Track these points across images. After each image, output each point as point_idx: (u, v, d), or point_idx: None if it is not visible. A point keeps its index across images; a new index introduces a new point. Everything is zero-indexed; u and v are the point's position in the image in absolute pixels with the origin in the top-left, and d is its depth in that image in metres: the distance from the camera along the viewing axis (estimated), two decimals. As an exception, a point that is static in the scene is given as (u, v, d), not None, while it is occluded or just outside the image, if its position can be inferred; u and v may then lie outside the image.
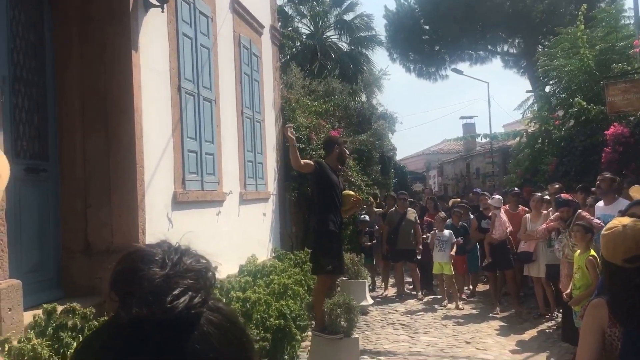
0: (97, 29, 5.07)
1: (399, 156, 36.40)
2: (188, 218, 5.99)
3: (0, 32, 4.32)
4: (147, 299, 0.65)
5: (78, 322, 3.37)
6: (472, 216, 10.89)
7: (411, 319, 8.87)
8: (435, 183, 35.94)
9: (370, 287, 10.48)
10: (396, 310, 9.44)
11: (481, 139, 23.71)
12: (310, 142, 9.71)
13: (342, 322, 5.45)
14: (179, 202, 5.81)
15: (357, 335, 5.68)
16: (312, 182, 5.83)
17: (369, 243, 10.80)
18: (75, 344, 3.24)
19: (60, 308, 3.33)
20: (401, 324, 8.49)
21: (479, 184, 26.19)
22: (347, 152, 6.15)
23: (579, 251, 5.68)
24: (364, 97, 20.40)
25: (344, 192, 6.01)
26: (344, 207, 5.95)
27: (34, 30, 4.83)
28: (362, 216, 10.75)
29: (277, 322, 5.73)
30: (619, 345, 2.11)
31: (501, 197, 10.15)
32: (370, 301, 9.41)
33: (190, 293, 0.66)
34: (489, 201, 10.15)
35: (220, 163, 6.93)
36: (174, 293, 0.65)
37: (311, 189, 5.76)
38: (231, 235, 7.12)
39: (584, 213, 6.83)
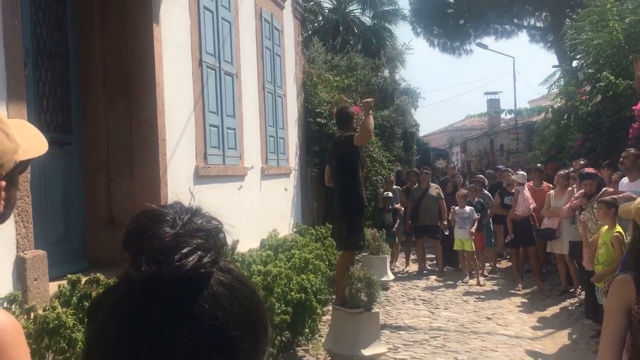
0: (118, 1, 5.06)
1: (422, 132, 36.07)
2: (210, 192, 6.02)
3: (24, 4, 4.33)
4: (156, 257, 0.65)
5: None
6: (485, 192, 10.83)
7: (432, 294, 8.87)
8: (459, 160, 35.63)
9: (392, 266, 10.45)
10: (417, 286, 9.46)
11: (505, 115, 23.39)
12: (332, 118, 9.64)
13: (363, 297, 5.46)
14: (201, 177, 5.83)
15: (377, 310, 5.69)
16: (348, 156, 5.61)
17: (392, 221, 10.63)
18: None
19: (84, 279, 3.38)
20: (422, 300, 8.50)
21: (503, 160, 25.90)
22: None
23: (606, 227, 5.60)
24: (386, 73, 20.20)
25: None
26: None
27: (57, 3, 4.83)
28: (385, 193, 10.67)
29: (297, 295, 5.77)
30: None
31: (525, 174, 10.04)
32: (392, 277, 9.43)
33: (199, 252, 0.65)
34: (513, 177, 10.05)
35: (242, 138, 6.93)
36: (182, 252, 0.64)
37: (340, 163, 5.64)
38: (253, 210, 7.15)
39: (610, 189, 6.71)
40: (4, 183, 1.07)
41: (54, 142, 4.69)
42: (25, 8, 4.35)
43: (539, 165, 11.09)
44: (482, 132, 32.39)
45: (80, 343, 2.81)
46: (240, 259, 5.40)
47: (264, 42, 7.89)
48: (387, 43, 22.56)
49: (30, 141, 1.18)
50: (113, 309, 0.66)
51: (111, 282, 3.48)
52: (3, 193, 1.08)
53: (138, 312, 0.64)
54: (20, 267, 3.41)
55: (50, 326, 2.71)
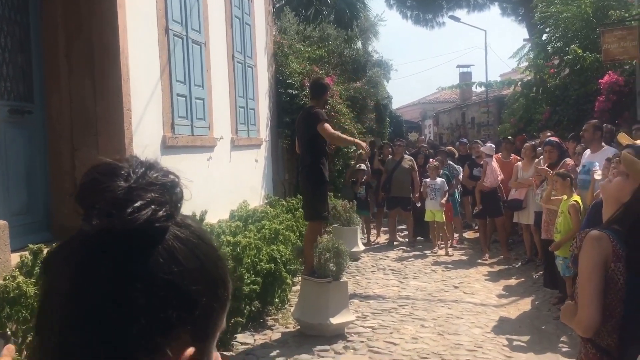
0: (80, -34, 4.92)
1: (394, 105, 36.07)
2: (178, 163, 5.96)
3: (-21, -32, 4.19)
4: (108, 210, 0.63)
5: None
6: (451, 163, 10.95)
7: (402, 264, 8.99)
8: (431, 132, 35.83)
9: (364, 241, 10.49)
10: (387, 257, 9.56)
11: (476, 88, 23.52)
12: (304, 89, 9.59)
13: (332, 266, 5.49)
14: (169, 147, 5.78)
15: (345, 279, 5.75)
16: (313, 130, 5.61)
17: (365, 195, 10.65)
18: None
19: (46, 249, 3.34)
20: (391, 270, 8.61)
21: (474, 133, 26.14)
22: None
23: (564, 197, 5.74)
24: (359, 44, 20.09)
25: None
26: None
27: (15, -33, 4.68)
28: (358, 165, 10.67)
29: (267, 266, 5.80)
30: (621, 279, 2.06)
31: (493, 146, 10.17)
32: (362, 247, 9.52)
33: (153, 206, 0.64)
34: (481, 149, 10.16)
35: (211, 108, 6.86)
36: (135, 205, 0.63)
37: (304, 137, 5.64)
38: (222, 181, 7.11)
39: (569, 161, 6.87)
40: None
41: (14, 110, 4.59)
42: (-18, -29, 4.22)
43: (508, 137, 11.23)
44: (454, 105, 32.57)
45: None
46: (209, 229, 5.38)
47: (233, 10, 7.77)
48: (361, 14, 22.42)
49: None
50: (65, 263, 0.65)
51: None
52: None
53: (90, 266, 0.62)
54: (-20, 238, 3.36)
55: (11, 295, 2.68)
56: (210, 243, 0.70)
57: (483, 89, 22.90)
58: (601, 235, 2.11)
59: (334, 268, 5.52)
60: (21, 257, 3.36)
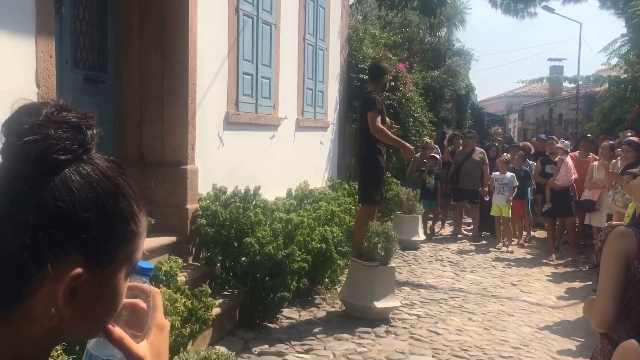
0: (157, -55, 5.14)
1: (480, 97, 35.12)
2: (239, 139, 6.16)
3: (63, -56, 4.47)
4: (9, 141, 0.72)
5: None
6: (529, 161, 10.59)
7: (461, 257, 8.87)
8: (515, 127, 34.70)
9: (429, 233, 10.38)
10: (448, 249, 9.46)
11: (566, 83, 22.49)
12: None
13: (380, 251, 5.53)
14: (231, 123, 5.97)
15: (393, 265, 5.76)
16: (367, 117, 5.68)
17: (435, 185, 10.43)
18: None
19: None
20: (449, 262, 8.52)
21: (561, 130, 25.09)
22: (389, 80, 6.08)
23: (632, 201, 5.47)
24: (444, 32, 19.71)
25: None
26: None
27: (97, -56, 4.96)
28: (433, 154, 10.51)
29: (318, 245, 5.90)
30: None
31: (569, 143, 9.77)
32: (422, 237, 9.45)
33: (52, 141, 0.71)
34: (558, 145, 9.80)
35: (277, 88, 7.00)
36: (28, 138, 0.71)
37: (361, 122, 5.71)
38: (284, 160, 7.27)
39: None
40: None
41: (88, 79, 4.89)
42: (65, -53, 4.50)
43: (588, 135, 10.73)
44: (541, 100, 31.33)
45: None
46: (262, 205, 5.54)
47: (307, -8, 7.85)
48: (449, 1, 21.95)
49: None
50: None
51: (148, 219, 3.67)
52: None
53: (6, 185, 0.71)
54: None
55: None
56: (114, 181, 0.76)
57: (573, 85, 21.87)
58: (627, 231, 2.07)
59: (383, 253, 5.55)
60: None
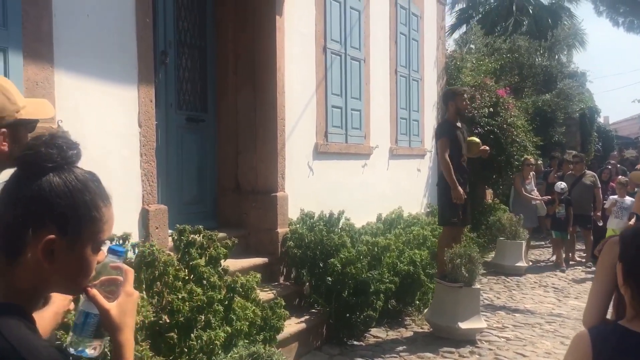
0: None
1: (612, 119, 32.91)
2: (329, 167, 6.59)
3: (167, 4, 5.23)
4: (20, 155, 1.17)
5: (204, 242, 4.15)
6: None
7: (568, 284, 8.59)
8: (652, 150, 32.17)
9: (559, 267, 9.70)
10: (555, 275, 9.18)
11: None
12: (474, 101, 9.66)
13: (464, 272, 5.64)
14: (320, 153, 6.42)
15: (478, 287, 5.83)
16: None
17: (566, 214, 9.82)
18: (201, 260, 4.02)
19: (189, 228, 4.12)
20: (554, 288, 8.29)
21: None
22: (465, 102, 6.16)
23: None
24: (564, 54, 19.14)
25: (468, 138, 6.13)
26: (470, 153, 6.14)
27: (197, 3, 5.70)
28: (557, 184, 10.02)
29: (406, 268, 6.13)
30: None
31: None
32: (526, 263, 9.25)
33: (41, 155, 1.14)
34: (676, 167, 9.22)
35: (368, 119, 7.38)
36: (26, 152, 1.15)
37: (436, 148, 6.05)
38: (377, 187, 7.58)
39: None
40: (5, 130, 1.66)
41: (190, 118, 5.59)
42: (169, 6, 5.26)
43: None
44: (682, 119, 28.90)
45: (171, 276, 3.55)
46: (347, 228, 5.90)
47: (398, 28, 8.22)
48: (565, 22, 21.28)
49: (36, 108, 1.75)
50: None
51: (212, 234, 4.19)
52: (2, 137, 1.66)
53: (10, 179, 1.17)
54: (145, 217, 4.27)
55: (147, 259, 3.47)
56: (84, 183, 1.16)
57: None
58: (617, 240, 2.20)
59: (467, 274, 5.66)
60: (171, 234, 4.21)
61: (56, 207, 1.13)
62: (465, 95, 6.11)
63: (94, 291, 1.22)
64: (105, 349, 1.41)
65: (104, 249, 1.24)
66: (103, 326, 1.22)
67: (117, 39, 4.06)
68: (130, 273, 1.30)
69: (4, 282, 1.13)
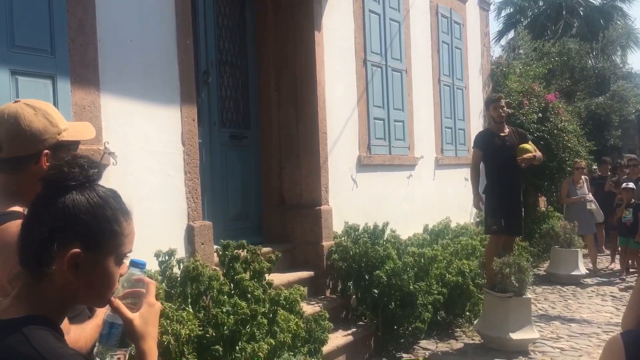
0: (287, 14, 5.89)
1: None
2: (373, 179, 6.59)
3: (208, 25, 5.39)
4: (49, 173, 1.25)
5: (249, 256, 4.22)
6: None
7: (628, 292, 8.24)
8: None
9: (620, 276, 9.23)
10: (615, 284, 8.84)
11: None
12: (522, 107, 9.49)
13: (514, 282, 5.52)
14: (364, 165, 6.43)
15: (529, 296, 5.69)
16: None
17: (634, 219, 8.96)
18: (245, 274, 4.09)
19: (233, 243, 4.20)
20: (612, 296, 7.99)
21: None
22: (500, 109, 6.00)
23: None
24: (616, 57, 18.55)
25: (520, 146, 5.99)
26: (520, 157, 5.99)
27: (237, 20, 5.84)
28: (625, 184, 9.47)
29: (454, 278, 6.06)
30: None
31: None
32: (584, 271, 8.95)
33: (64, 174, 1.21)
34: None
35: (412, 129, 7.35)
36: (51, 171, 1.23)
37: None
38: (424, 197, 7.53)
39: None
40: (48, 151, 1.75)
41: (234, 136, 5.71)
42: (210, 28, 5.41)
43: None
44: None
45: (215, 290, 3.63)
46: (392, 240, 5.87)
47: (440, 37, 8.17)
48: (619, 22, 20.66)
49: (77, 130, 1.85)
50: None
51: (256, 248, 4.26)
52: (45, 159, 1.75)
53: (36, 197, 1.24)
54: (190, 233, 4.37)
55: (192, 274, 3.56)
56: (105, 199, 1.23)
57: None
58: None
59: (516, 284, 5.54)
60: (216, 249, 4.30)
61: (79, 222, 1.19)
62: (501, 102, 5.99)
63: (118, 302, 1.28)
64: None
65: (126, 262, 1.30)
66: (127, 336, 1.28)
67: (159, 62, 4.21)
68: (152, 285, 1.36)
69: (33, 295, 1.20)
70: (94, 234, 1.21)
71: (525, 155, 5.89)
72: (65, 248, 1.18)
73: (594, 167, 11.41)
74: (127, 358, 1.31)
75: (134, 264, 1.34)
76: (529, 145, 6.07)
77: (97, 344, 1.30)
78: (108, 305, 1.29)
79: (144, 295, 1.32)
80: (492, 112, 5.94)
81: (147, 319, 1.30)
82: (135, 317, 1.28)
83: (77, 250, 1.18)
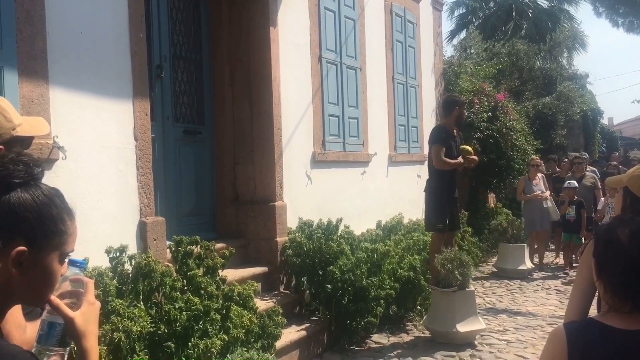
0: (242, 10, 5.87)
1: (617, 120, 32.80)
2: (328, 176, 6.64)
3: (162, 18, 5.32)
4: None
5: (202, 252, 4.21)
6: None
7: (571, 286, 8.56)
8: (658, 150, 32.05)
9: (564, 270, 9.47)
10: (559, 278, 9.16)
11: None
12: (472, 106, 9.70)
13: (458, 276, 5.66)
14: (318, 161, 6.48)
15: (472, 288, 5.84)
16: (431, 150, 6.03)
17: (577, 217, 9.33)
18: (198, 270, 4.08)
19: (186, 239, 4.18)
20: (557, 290, 8.29)
21: None
22: (465, 114, 6.16)
23: None
24: (563, 58, 19.16)
25: (461, 146, 6.13)
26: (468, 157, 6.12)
27: (192, 14, 5.78)
28: (567, 182, 9.74)
29: (406, 273, 6.17)
30: None
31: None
32: (529, 266, 9.25)
33: (10, 171, 1.19)
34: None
35: (366, 126, 7.43)
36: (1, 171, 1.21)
37: (429, 152, 6.03)
38: (377, 194, 7.63)
39: None
40: (1, 147, 1.72)
41: (188, 131, 5.66)
42: (164, 21, 5.35)
43: None
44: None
45: (168, 287, 3.61)
46: (346, 236, 5.93)
47: (394, 35, 8.28)
48: (565, 25, 21.32)
49: (32, 125, 1.83)
50: None
51: (210, 244, 4.25)
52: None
53: None
54: (142, 229, 4.32)
55: (144, 270, 3.53)
56: (49, 197, 1.22)
57: None
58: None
59: (460, 278, 5.69)
60: (169, 245, 4.27)
61: (25, 220, 1.18)
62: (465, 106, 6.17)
63: (58, 301, 1.27)
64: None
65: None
66: (68, 334, 1.28)
67: (112, 55, 4.14)
68: (91, 283, 1.36)
69: None
70: (39, 232, 1.20)
71: (473, 156, 6.07)
72: (9, 246, 1.17)
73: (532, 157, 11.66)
74: (66, 357, 1.30)
75: (73, 262, 1.33)
76: (468, 147, 6.26)
77: (35, 345, 1.29)
78: (47, 303, 1.28)
79: (83, 294, 1.32)
80: (456, 113, 6.01)
81: (87, 317, 1.30)
82: (76, 315, 1.28)
83: (23, 248, 1.17)
